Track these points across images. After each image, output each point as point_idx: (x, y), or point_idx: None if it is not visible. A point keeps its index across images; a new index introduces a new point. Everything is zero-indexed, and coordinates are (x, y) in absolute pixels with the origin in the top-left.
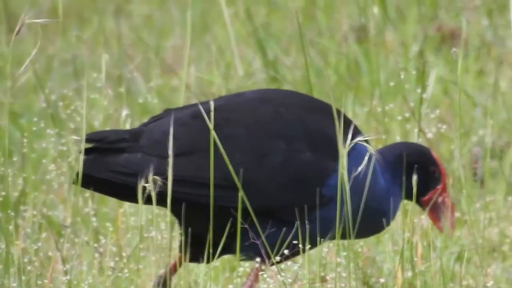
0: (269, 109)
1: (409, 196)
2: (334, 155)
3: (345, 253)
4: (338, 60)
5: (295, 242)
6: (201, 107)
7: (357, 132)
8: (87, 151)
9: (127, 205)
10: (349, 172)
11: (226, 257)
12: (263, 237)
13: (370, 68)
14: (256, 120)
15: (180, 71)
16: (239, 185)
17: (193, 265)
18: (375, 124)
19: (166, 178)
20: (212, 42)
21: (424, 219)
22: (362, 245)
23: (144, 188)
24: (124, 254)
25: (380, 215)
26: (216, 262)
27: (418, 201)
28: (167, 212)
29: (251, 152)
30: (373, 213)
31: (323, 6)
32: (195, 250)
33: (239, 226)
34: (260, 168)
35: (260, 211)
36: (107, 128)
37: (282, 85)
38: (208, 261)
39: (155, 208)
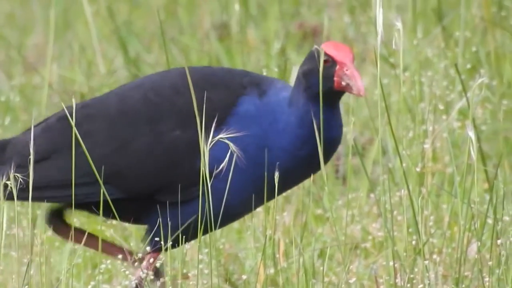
0: (137, 96)
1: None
2: (220, 120)
3: (206, 250)
4: (200, 58)
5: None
6: (66, 109)
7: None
8: None
9: None
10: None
11: (88, 254)
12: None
13: (232, 65)
14: (120, 110)
15: (42, 69)
16: (99, 178)
17: (55, 261)
18: None
19: (27, 185)
20: (74, 39)
21: (286, 215)
22: (223, 241)
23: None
24: None
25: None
26: (78, 259)
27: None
28: (29, 209)
29: (112, 143)
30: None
31: (184, 3)
32: None
33: (100, 220)
34: (124, 156)
35: (142, 198)
36: None
37: None
38: None
39: (16, 206)
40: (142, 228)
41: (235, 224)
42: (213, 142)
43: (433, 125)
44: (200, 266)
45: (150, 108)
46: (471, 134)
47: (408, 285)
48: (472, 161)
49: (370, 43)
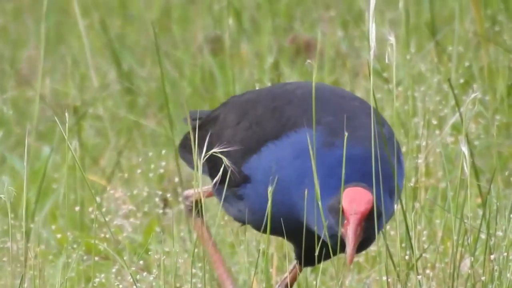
0: (259, 91)
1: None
2: (275, 134)
3: (200, 264)
4: (193, 72)
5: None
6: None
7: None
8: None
9: None
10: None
11: (81, 267)
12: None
13: (225, 79)
14: (243, 100)
15: (35, 82)
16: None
17: (48, 275)
18: None
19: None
20: (67, 53)
21: None
22: None
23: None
24: None
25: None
26: (72, 273)
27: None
28: (22, 223)
29: (217, 127)
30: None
31: (178, 17)
32: None
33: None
34: (217, 140)
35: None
36: None
37: (137, 97)
38: None
39: (10, 219)
40: (135, 242)
41: (228, 238)
42: (206, 156)
43: (426, 140)
44: (194, 280)
45: (252, 102)
46: (464, 149)
47: None
48: (465, 176)
49: (363, 57)
